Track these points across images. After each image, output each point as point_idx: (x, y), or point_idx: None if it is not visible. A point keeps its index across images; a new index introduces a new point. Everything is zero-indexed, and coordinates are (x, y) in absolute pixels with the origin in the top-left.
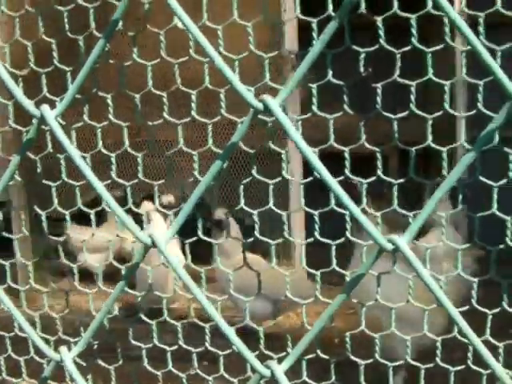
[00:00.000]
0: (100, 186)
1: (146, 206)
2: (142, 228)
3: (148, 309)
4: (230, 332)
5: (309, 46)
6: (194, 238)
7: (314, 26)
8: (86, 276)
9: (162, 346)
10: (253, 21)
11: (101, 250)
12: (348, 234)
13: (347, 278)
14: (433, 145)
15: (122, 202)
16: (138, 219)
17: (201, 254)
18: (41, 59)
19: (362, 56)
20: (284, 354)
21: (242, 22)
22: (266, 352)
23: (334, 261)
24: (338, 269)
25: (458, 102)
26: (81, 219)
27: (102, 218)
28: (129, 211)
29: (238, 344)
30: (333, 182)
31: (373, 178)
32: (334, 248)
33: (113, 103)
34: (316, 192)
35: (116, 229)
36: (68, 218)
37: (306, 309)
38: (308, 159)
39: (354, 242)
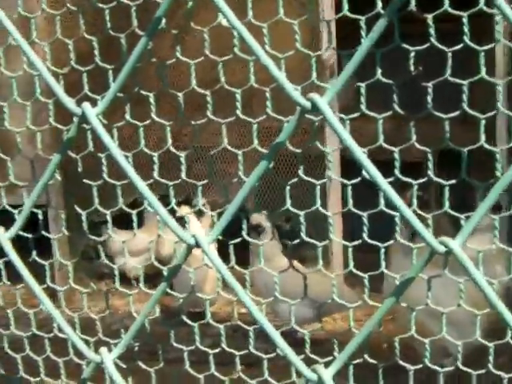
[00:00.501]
0: (142, 185)
1: (183, 210)
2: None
3: (187, 312)
4: (276, 335)
5: (348, 44)
6: (238, 240)
7: (362, 23)
8: (123, 279)
9: (204, 348)
10: (298, 19)
11: (139, 253)
12: (397, 236)
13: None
14: (487, 146)
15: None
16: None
17: (237, 257)
18: (82, 57)
19: (412, 55)
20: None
21: (288, 19)
22: (307, 356)
23: (383, 264)
24: (386, 271)
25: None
26: (119, 223)
27: (139, 221)
28: (170, 213)
29: (285, 347)
30: (383, 183)
31: (423, 180)
32: (382, 251)
33: (155, 103)
34: (359, 194)
35: (154, 232)
36: (109, 218)
37: (345, 314)
38: (358, 159)
39: (392, 247)
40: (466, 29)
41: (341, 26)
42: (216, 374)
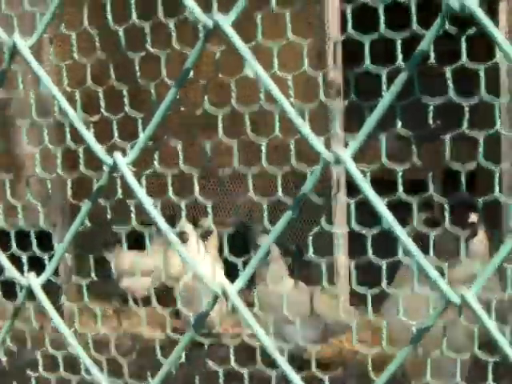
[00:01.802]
0: (172, 234)
1: (185, 226)
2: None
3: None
4: (286, 365)
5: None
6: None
7: (367, 46)
8: (131, 299)
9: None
10: (305, 40)
11: (147, 274)
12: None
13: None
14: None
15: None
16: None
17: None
18: (110, 104)
19: (431, 108)
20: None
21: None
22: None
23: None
24: (387, 290)
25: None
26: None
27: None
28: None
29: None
30: (402, 233)
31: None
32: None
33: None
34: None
35: (161, 253)
36: (123, 240)
37: (350, 335)
38: (379, 212)
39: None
40: (482, 82)
41: (346, 44)
42: None
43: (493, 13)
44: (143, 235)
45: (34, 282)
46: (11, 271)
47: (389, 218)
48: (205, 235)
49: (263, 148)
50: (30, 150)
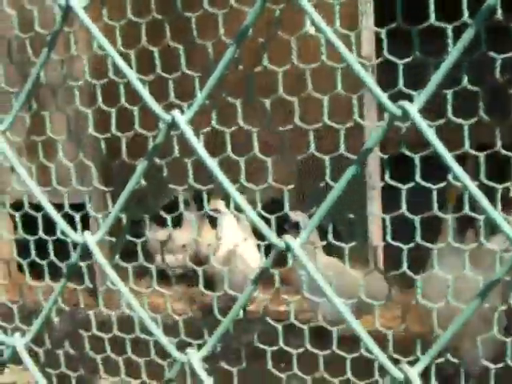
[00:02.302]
0: (232, 189)
1: (216, 203)
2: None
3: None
4: (364, 333)
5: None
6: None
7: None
8: (164, 277)
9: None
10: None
11: (178, 251)
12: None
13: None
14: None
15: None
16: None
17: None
18: (167, 64)
19: (499, 62)
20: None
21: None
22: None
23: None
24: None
25: None
26: (159, 221)
27: (179, 220)
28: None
29: (373, 346)
30: (472, 185)
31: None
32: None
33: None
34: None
35: (192, 231)
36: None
37: (383, 312)
38: (449, 165)
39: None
40: None
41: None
42: (300, 373)
43: None
44: (177, 211)
45: (90, 239)
46: (66, 229)
47: (458, 171)
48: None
49: (325, 103)
50: (84, 110)
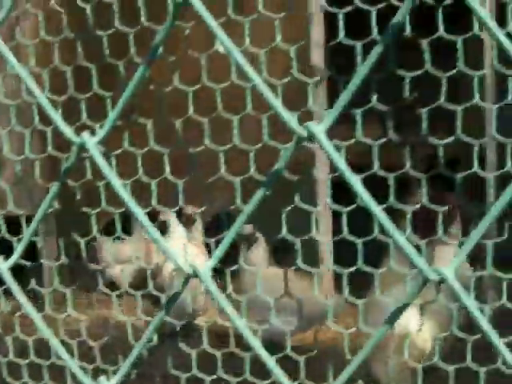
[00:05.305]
0: (142, 215)
1: (167, 215)
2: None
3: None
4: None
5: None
6: (234, 266)
7: (358, 48)
8: (115, 288)
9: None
10: (296, 45)
11: (128, 263)
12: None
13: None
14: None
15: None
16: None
17: (228, 263)
18: (80, 85)
19: (408, 80)
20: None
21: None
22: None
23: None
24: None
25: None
26: (109, 232)
27: (130, 230)
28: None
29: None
30: (377, 210)
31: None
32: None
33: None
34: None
35: (142, 241)
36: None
37: (335, 322)
38: (354, 187)
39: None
40: (460, 55)
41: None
42: None
43: None
44: (128, 222)
45: (2, 266)
46: None
47: (364, 195)
48: (188, 223)
49: (235, 124)
50: None
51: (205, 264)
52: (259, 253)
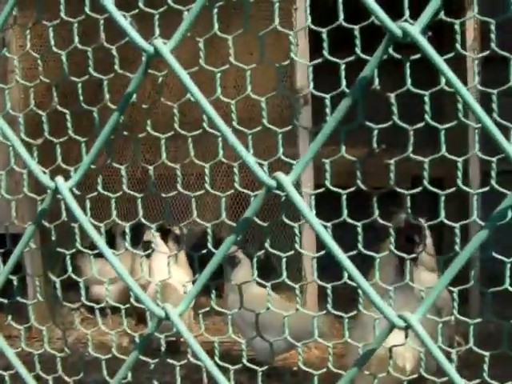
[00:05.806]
0: (114, 260)
1: (150, 235)
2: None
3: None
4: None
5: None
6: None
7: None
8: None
9: None
10: (269, 94)
11: (111, 283)
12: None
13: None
14: (446, 221)
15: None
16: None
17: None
18: (55, 128)
19: (375, 132)
20: None
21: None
22: None
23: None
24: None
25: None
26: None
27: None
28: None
29: None
30: (344, 259)
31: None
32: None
33: (126, 174)
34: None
35: (126, 261)
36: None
37: (318, 343)
38: (321, 236)
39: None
40: (427, 108)
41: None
42: None
43: (461, 23)
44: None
45: None
46: None
47: (332, 246)
48: (173, 243)
49: (207, 172)
50: None
51: (175, 309)
52: (244, 274)
